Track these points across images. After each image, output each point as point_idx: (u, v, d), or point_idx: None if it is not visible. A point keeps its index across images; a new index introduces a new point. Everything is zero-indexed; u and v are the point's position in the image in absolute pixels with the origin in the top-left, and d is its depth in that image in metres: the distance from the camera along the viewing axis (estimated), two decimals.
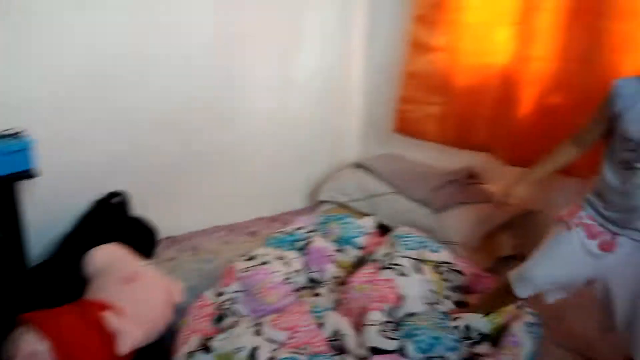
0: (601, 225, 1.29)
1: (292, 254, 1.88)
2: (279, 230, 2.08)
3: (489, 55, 2.11)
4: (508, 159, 2.07)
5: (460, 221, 2.05)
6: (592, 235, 1.29)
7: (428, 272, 1.72)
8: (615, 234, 1.27)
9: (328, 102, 2.59)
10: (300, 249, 1.96)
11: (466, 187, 2.20)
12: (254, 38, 2.19)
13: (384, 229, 2.12)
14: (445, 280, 1.76)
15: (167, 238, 2.14)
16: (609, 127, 1.25)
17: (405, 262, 1.70)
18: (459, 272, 1.79)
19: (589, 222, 1.30)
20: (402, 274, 1.65)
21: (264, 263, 1.78)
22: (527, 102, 2.01)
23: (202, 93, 2.10)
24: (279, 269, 1.75)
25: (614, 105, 1.21)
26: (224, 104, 2.18)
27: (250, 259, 1.81)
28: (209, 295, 1.68)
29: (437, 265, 1.78)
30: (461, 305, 1.69)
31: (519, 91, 2.01)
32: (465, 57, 2.16)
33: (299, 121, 2.47)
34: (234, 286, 1.70)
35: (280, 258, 1.82)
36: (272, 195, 2.45)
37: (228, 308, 1.61)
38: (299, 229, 2.04)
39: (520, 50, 1.99)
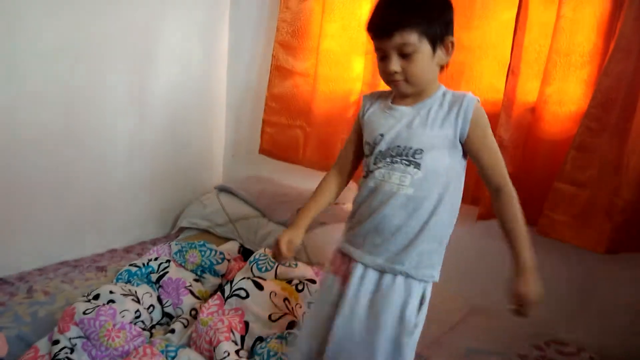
0: (345, 254, 1.18)
1: (144, 289, 1.73)
2: (130, 263, 1.90)
3: (345, 82, 2.21)
4: None
5: (321, 241, 2.08)
6: (336, 271, 1.19)
7: (272, 286, 1.65)
8: (353, 260, 1.16)
9: (190, 123, 2.48)
10: (155, 282, 1.81)
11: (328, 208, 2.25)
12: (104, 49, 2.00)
13: (247, 254, 2.07)
14: (300, 291, 1.71)
15: None
16: (360, 143, 1.23)
17: (246, 284, 1.62)
18: (313, 282, 1.77)
19: (339, 255, 1.20)
20: (244, 297, 1.58)
21: (110, 302, 1.61)
22: None
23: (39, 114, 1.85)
24: (128, 307, 1.60)
25: (362, 117, 1.23)
26: (71, 124, 1.95)
27: (94, 298, 1.63)
28: (41, 345, 1.47)
29: (289, 281, 1.75)
30: None
31: None
32: (324, 84, 2.24)
33: (157, 143, 2.31)
34: (73, 331, 1.50)
35: (130, 294, 1.67)
36: (126, 224, 2.24)
37: (64, 358, 1.42)
38: (153, 260, 1.89)
39: (371, 78, 2.13)
